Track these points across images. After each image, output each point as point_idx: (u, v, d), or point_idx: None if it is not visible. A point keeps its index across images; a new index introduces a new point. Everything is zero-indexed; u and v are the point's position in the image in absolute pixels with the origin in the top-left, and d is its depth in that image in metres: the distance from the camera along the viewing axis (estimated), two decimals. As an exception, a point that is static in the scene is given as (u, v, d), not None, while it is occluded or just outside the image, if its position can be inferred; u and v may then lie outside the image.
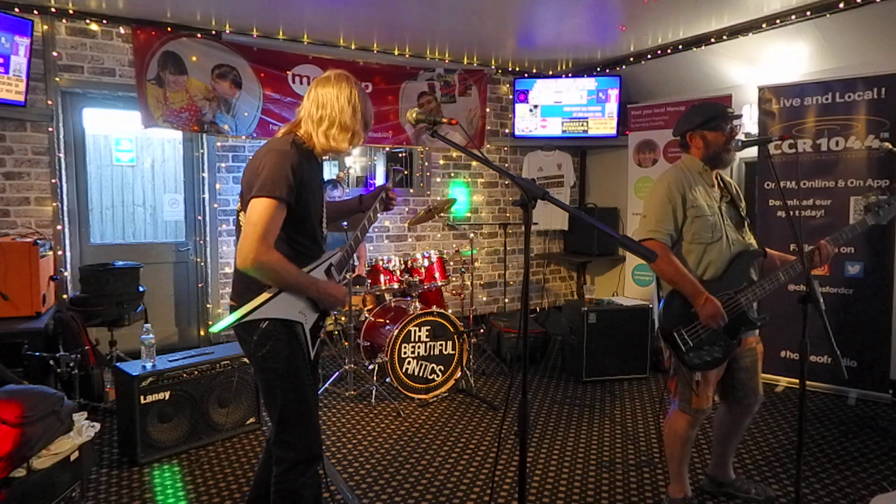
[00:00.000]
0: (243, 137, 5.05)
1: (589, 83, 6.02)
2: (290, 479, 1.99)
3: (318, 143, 1.99)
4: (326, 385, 4.24)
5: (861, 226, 2.48)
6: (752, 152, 4.78)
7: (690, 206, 2.47)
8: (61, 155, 4.49)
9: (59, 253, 4.45)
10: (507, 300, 6.38)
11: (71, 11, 4.36)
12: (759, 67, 4.93)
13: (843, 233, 2.50)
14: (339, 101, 1.97)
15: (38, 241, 3.68)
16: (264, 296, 1.92)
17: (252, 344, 1.95)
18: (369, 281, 4.45)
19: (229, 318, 1.95)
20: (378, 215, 2.31)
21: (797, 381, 2.27)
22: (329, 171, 7.45)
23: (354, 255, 4.40)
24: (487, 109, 6.17)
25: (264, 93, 5.05)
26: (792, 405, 4.03)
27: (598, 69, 6.07)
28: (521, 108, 6.22)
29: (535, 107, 6.18)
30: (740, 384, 2.59)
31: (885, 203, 2.44)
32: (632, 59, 5.67)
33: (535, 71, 6.34)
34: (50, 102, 4.37)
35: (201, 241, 5.12)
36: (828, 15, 4.17)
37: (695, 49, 5.08)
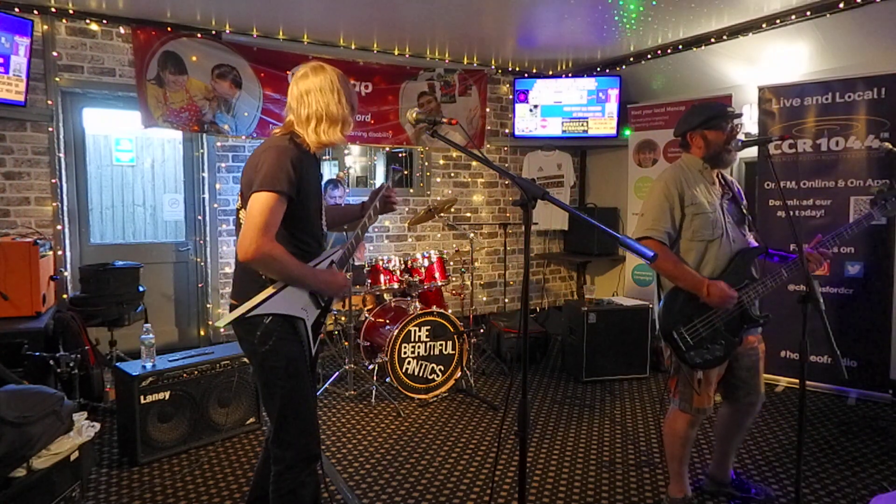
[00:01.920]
0: (243, 137, 5.05)
1: (589, 83, 6.02)
2: (289, 478, 1.99)
3: (312, 141, 1.99)
4: (326, 385, 4.24)
5: (867, 220, 2.46)
6: (752, 152, 4.78)
7: (689, 203, 2.47)
8: (61, 155, 4.49)
9: (59, 253, 4.45)
10: (507, 300, 6.38)
11: (71, 11, 4.36)
12: (759, 67, 4.93)
13: (849, 228, 2.48)
14: (322, 94, 1.96)
15: (38, 241, 3.68)
16: (268, 290, 1.93)
17: (254, 342, 1.95)
18: (369, 281, 4.45)
19: (235, 313, 1.95)
20: (378, 215, 2.31)
21: (797, 381, 2.27)
22: (329, 171, 7.45)
23: (355, 253, 4.41)
24: (487, 109, 6.17)
25: (264, 93, 5.05)
26: (792, 405, 4.03)
27: (598, 69, 6.07)
28: (521, 108, 6.22)
29: (535, 107, 6.18)
30: (742, 383, 2.59)
31: (893, 196, 2.43)
32: (632, 59, 5.67)
33: (535, 71, 6.34)
34: (50, 102, 4.37)
35: (201, 241, 5.12)
36: (828, 15, 4.17)
37: (695, 49, 5.08)
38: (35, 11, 4.25)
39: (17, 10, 4.10)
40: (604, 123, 6.05)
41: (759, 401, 2.64)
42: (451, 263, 6.05)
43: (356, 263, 4.51)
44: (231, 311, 2.00)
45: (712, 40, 4.89)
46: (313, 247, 2.07)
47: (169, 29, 4.67)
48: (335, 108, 1.97)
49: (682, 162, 2.60)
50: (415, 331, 4.10)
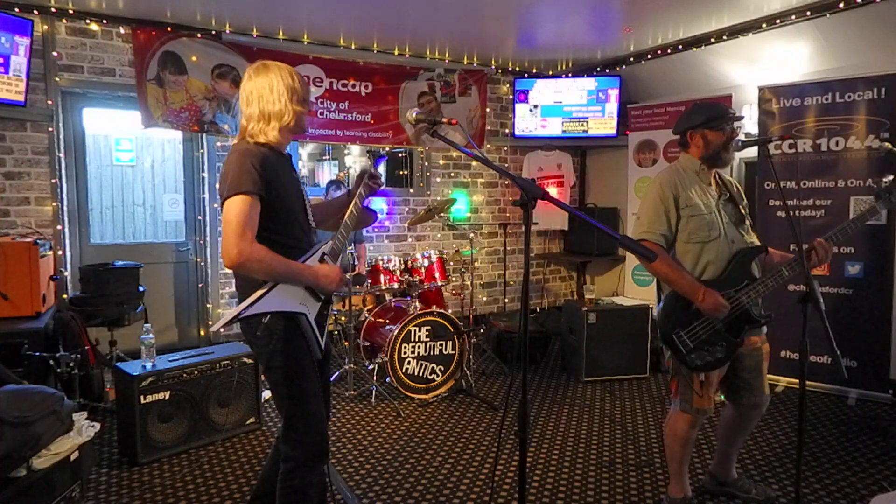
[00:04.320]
0: (243, 137, 5.04)
1: (589, 83, 6.02)
2: (298, 476, 2.00)
3: (265, 138, 1.99)
4: (326, 385, 4.24)
5: (871, 213, 2.46)
6: (752, 152, 4.78)
7: (685, 205, 2.46)
8: (61, 155, 4.49)
9: (59, 253, 4.45)
10: (507, 300, 6.38)
11: (71, 11, 4.36)
12: (759, 67, 4.93)
13: (853, 222, 2.47)
14: (262, 93, 1.99)
15: (38, 241, 3.68)
16: (259, 291, 1.92)
17: (258, 342, 1.96)
18: (369, 281, 4.45)
19: (227, 316, 1.95)
20: (363, 200, 2.24)
21: (797, 381, 2.27)
22: (329, 171, 7.46)
23: (354, 254, 4.41)
24: (487, 109, 6.17)
25: (264, 93, 5.03)
26: (792, 405, 4.03)
27: (598, 69, 6.07)
28: (521, 108, 6.22)
29: (535, 107, 6.18)
30: (745, 384, 2.58)
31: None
32: (632, 59, 5.67)
33: (535, 71, 6.34)
34: (50, 102, 4.37)
35: (201, 241, 5.12)
36: (828, 15, 4.17)
37: (695, 49, 5.08)
38: (35, 11, 4.25)
39: (17, 10, 4.09)
40: (604, 123, 6.05)
41: (764, 402, 2.62)
42: (451, 263, 6.06)
43: (354, 264, 4.50)
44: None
45: (712, 40, 4.90)
46: (302, 242, 2.05)
47: (169, 29, 4.66)
48: (272, 106, 1.98)
49: (678, 164, 2.60)
50: (415, 331, 4.10)
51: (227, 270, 5.11)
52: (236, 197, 1.85)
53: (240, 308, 1.90)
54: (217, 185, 2.01)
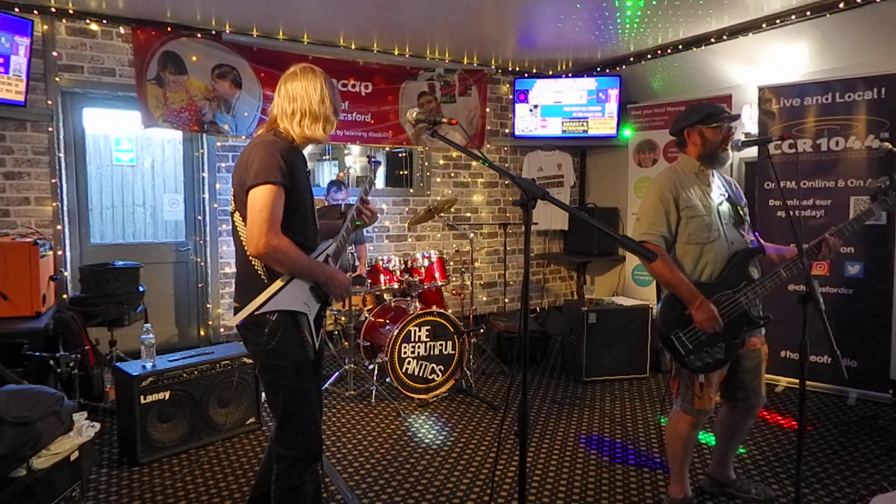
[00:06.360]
0: (243, 137, 5.05)
1: (589, 83, 6.02)
2: (292, 476, 2.01)
3: (296, 134, 2.04)
4: (326, 385, 4.24)
5: (868, 215, 2.46)
6: (752, 152, 4.78)
7: (684, 206, 2.47)
8: (61, 155, 4.49)
9: (59, 253, 4.45)
10: (507, 300, 6.38)
11: (71, 11, 4.36)
12: (759, 67, 4.93)
13: (850, 223, 2.47)
14: (307, 93, 2.03)
15: (38, 241, 3.68)
16: (273, 288, 1.95)
17: (260, 340, 1.96)
18: (369, 281, 4.45)
19: (246, 310, 1.96)
20: (355, 224, 2.34)
21: (797, 381, 2.27)
22: (329, 171, 7.46)
23: (354, 255, 4.42)
24: (487, 109, 6.17)
25: (264, 93, 5.05)
26: (792, 405, 4.03)
27: (598, 69, 6.07)
28: (521, 108, 6.21)
29: (535, 107, 6.18)
30: (743, 385, 2.58)
31: (893, 191, 2.43)
32: (632, 59, 5.66)
33: (535, 71, 6.34)
34: (50, 102, 4.37)
35: (201, 241, 5.12)
36: (828, 15, 4.17)
37: (695, 49, 5.08)
38: (35, 11, 4.25)
39: (17, 10, 4.09)
40: (604, 123, 6.05)
41: (760, 403, 2.63)
42: (451, 263, 6.05)
43: (355, 265, 4.50)
44: (234, 312, 2.01)
45: (712, 40, 4.89)
46: (310, 240, 2.11)
47: (169, 29, 4.66)
48: (317, 107, 2.04)
49: (678, 165, 2.60)
50: (415, 331, 4.10)
51: (228, 270, 5.14)
52: (264, 186, 1.87)
53: (258, 302, 1.94)
54: (234, 174, 2.04)
